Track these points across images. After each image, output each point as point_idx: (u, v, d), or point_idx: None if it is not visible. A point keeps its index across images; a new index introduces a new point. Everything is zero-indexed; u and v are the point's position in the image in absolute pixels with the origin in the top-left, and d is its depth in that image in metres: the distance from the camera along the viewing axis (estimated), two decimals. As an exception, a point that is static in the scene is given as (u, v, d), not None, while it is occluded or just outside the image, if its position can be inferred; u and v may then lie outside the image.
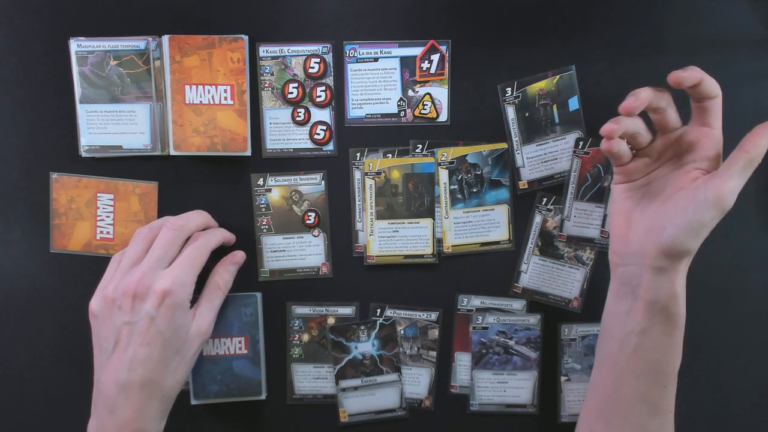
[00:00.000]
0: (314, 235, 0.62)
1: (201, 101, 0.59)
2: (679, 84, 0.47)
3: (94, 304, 0.52)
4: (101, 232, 0.60)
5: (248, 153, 0.59)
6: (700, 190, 0.47)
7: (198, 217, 0.57)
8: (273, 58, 0.61)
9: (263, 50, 0.60)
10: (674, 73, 0.47)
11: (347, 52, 0.61)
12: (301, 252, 0.62)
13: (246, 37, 0.59)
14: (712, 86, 0.48)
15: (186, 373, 0.54)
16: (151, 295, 0.50)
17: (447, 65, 0.61)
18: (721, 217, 0.47)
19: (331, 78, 0.61)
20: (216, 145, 0.59)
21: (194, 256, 0.53)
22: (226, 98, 0.59)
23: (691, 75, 0.47)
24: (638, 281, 0.50)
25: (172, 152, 0.59)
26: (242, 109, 0.59)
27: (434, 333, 0.63)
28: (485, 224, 0.62)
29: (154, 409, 0.50)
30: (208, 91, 0.59)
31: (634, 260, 0.51)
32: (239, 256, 0.59)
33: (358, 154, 0.62)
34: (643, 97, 0.48)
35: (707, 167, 0.49)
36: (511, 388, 0.63)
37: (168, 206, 0.61)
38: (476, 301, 0.63)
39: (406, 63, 0.61)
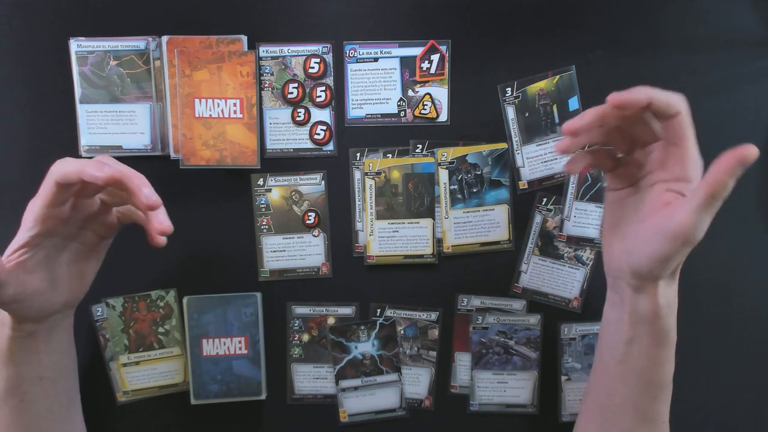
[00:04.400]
0: (314, 235, 0.62)
1: (210, 115, 0.59)
2: (620, 108, 0.42)
3: None
4: None
5: (258, 166, 0.60)
6: (666, 222, 0.43)
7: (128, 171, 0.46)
8: (273, 58, 0.61)
9: (263, 50, 0.60)
10: (612, 96, 0.42)
11: (347, 52, 0.61)
12: (301, 252, 0.62)
13: (245, 37, 0.59)
14: (666, 105, 0.42)
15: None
16: None
17: (447, 65, 0.61)
18: (692, 247, 0.43)
19: (331, 78, 0.61)
20: (225, 158, 0.59)
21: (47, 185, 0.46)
22: (235, 112, 0.59)
23: (630, 98, 0.42)
24: (623, 294, 0.49)
25: (182, 166, 0.59)
26: (252, 122, 0.59)
27: (434, 333, 0.63)
28: (485, 224, 0.62)
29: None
30: (218, 104, 0.59)
31: (616, 273, 0.49)
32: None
33: (358, 154, 0.62)
34: (587, 118, 0.44)
35: (679, 189, 0.45)
36: (511, 388, 0.63)
37: (167, 206, 0.61)
38: (476, 301, 0.63)
39: (406, 63, 0.61)
